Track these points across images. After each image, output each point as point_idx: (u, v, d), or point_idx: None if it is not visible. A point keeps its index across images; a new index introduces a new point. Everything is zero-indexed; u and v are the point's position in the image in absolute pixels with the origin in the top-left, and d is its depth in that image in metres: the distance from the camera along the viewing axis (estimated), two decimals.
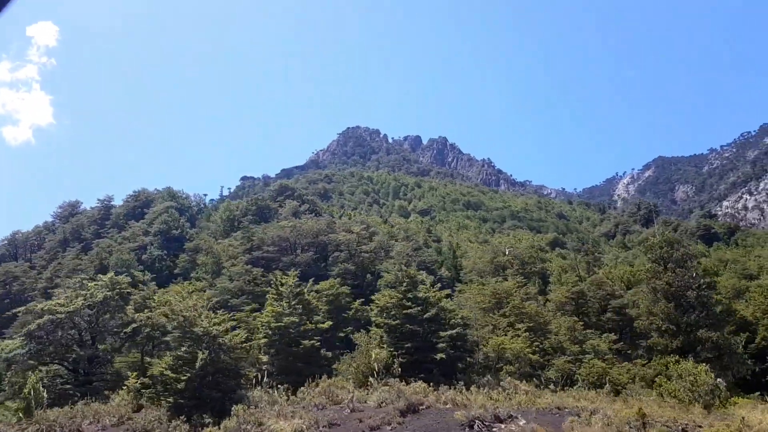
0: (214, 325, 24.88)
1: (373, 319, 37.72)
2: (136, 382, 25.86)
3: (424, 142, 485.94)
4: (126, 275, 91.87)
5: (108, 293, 34.47)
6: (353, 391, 24.69)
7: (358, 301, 55.41)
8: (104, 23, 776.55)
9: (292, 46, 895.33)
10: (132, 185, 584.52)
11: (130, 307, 37.59)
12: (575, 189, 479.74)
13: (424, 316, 33.65)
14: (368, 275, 70.02)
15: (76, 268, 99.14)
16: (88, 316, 35.11)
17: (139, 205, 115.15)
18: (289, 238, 77.44)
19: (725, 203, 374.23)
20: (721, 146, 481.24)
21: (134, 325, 33.23)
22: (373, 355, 27.40)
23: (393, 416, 22.11)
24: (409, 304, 34.12)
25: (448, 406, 23.78)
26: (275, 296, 34.65)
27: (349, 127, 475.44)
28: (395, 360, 28.74)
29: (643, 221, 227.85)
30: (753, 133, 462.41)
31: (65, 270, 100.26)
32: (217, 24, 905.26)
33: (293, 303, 33.66)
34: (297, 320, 31.25)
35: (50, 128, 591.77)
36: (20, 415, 21.58)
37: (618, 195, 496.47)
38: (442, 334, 33.07)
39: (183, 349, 24.18)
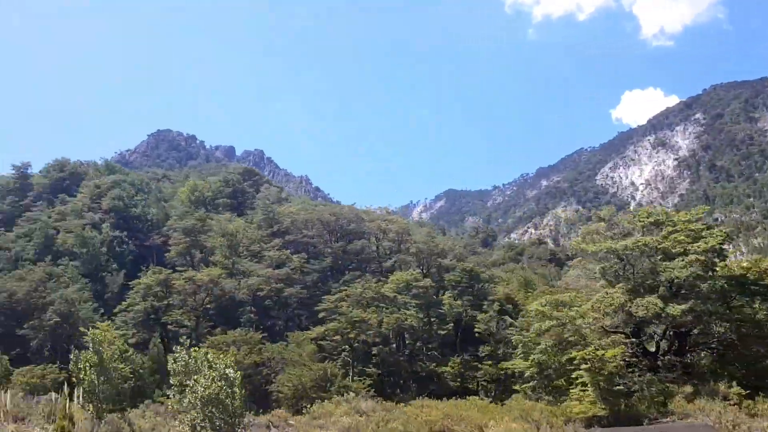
0: None
1: None
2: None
3: (238, 153, 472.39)
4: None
5: None
6: None
7: None
8: None
9: (100, 38, 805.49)
10: None
11: None
12: None
13: None
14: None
15: (3, 247, 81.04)
16: None
17: (65, 176, 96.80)
18: (330, 223, 72.46)
19: (513, 235, 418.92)
20: (503, 184, 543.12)
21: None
22: None
23: None
24: None
25: None
26: None
27: (159, 130, 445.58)
28: None
29: (482, 243, 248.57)
30: (530, 175, 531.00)
31: None
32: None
33: None
34: None
35: None
36: None
37: (413, 220, 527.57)
38: None
39: None
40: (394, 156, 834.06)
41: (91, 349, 40.36)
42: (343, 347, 56.33)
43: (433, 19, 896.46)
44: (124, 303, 65.65)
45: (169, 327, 64.47)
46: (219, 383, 18.62)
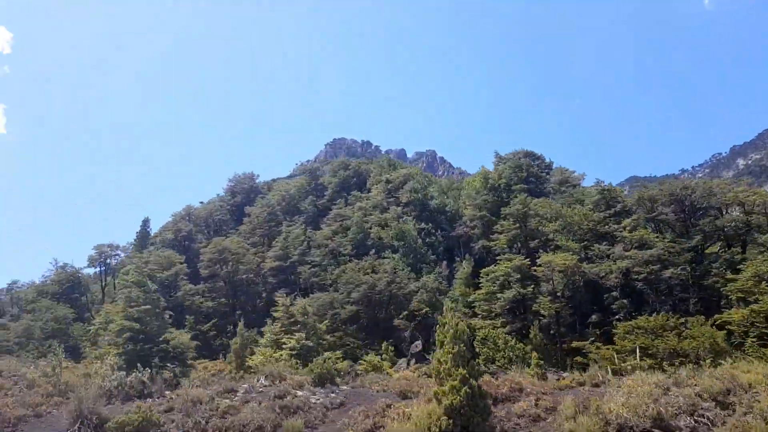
0: None
1: None
2: None
3: (409, 155, 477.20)
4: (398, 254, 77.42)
5: None
6: None
7: None
8: (60, 30, 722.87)
9: (271, 50, 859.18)
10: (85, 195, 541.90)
11: None
12: None
13: None
14: None
15: (321, 244, 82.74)
16: None
17: (351, 175, 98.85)
18: (683, 199, 65.39)
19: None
20: (693, 167, 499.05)
21: None
22: None
23: None
24: None
25: None
26: None
27: (335, 138, 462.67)
28: None
29: None
30: (724, 155, 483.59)
31: (299, 246, 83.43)
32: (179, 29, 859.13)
33: None
34: None
35: (2, 138, 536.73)
36: None
37: None
38: None
39: None
40: (568, 144, 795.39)
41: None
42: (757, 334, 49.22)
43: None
44: (479, 292, 63.48)
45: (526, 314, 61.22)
46: None
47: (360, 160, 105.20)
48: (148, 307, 43.83)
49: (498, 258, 69.47)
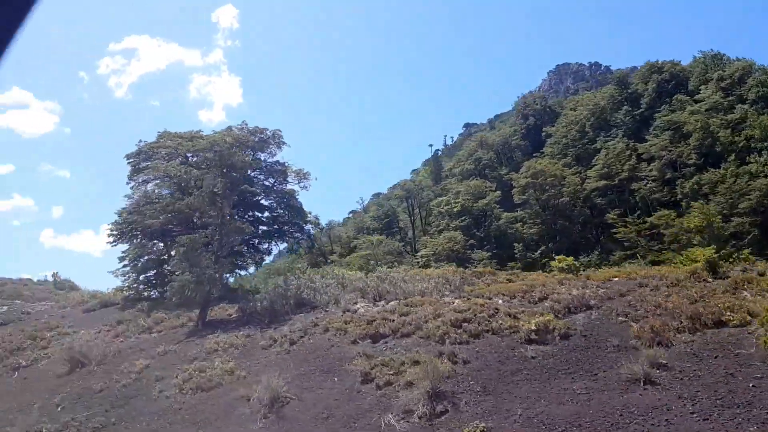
0: None
1: None
2: None
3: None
4: None
5: None
6: None
7: None
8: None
9: None
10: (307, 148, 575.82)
11: None
12: None
13: None
14: None
15: (655, 156, 73.34)
16: None
17: (665, 78, 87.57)
18: None
19: None
20: None
21: None
22: None
23: None
24: None
25: None
26: None
27: (558, 65, 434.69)
28: None
29: None
30: None
31: (626, 161, 74.78)
32: None
33: None
34: None
35: (241, 108, 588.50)
36: None
37: None
38: None
39: None
40: None
41: None
42: None
43: None
44: None
45: None
46: None
47: (671, 62, 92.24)
48: None
49: None
